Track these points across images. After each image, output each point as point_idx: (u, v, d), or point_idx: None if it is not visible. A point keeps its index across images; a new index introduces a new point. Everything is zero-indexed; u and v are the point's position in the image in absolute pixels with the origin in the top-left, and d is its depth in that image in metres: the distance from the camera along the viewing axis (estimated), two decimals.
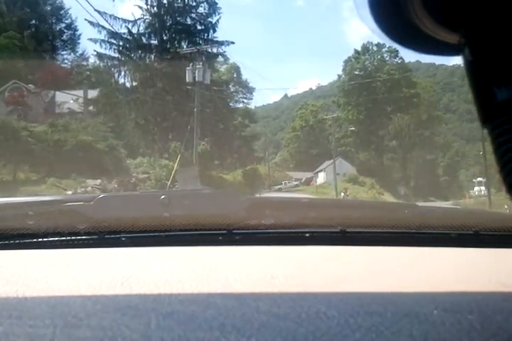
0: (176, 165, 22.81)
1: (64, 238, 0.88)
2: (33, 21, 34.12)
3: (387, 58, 48.30)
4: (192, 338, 0.47)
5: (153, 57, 29.23)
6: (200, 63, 23.36)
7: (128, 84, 29.58)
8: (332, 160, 46.38)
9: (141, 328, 0.48)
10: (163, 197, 0.94)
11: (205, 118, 26.27)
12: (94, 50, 29.52)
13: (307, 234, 0.88)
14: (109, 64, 29.41)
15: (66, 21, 36.59)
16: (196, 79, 23.03)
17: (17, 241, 0.87)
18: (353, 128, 43.51)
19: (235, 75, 39.23)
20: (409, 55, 46.22)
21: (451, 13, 0.32)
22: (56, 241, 0.88)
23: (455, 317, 0.51)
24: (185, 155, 25.58)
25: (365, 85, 46.35)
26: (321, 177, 48.06)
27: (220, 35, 34.87)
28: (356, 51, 47.92)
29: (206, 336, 0.47)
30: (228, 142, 31.13)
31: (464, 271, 0.73)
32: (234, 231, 0.89)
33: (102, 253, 0.84)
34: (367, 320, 0.50)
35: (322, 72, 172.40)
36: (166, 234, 0.89)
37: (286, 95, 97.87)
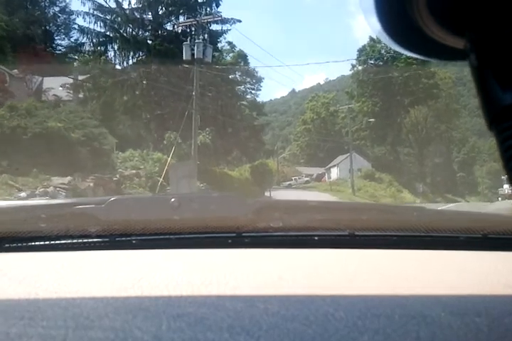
0: (169, 158, 17.34)
1: (76, 240, 0.89)
2: (23, 3, 28.79)
3: None
4: (202, 339, 0.47)
5: (146, 33, 23.69)
6: (200, 37, 17.88)
7: (117, 65, 24.25)
8: (346, 155, 41.18)
9: (152, 330, 0.49)
10: (173, 200, 0.94)
11: (206, 104, 21.08)
12: (77, 24, 24.16)
13: (316, 237, 0.88)
14: (95, 41, 23.95)
15: (60, 5, 31.34)
16: (195, 55, 17.61)
17: (29, 244, 0.88)
18: (372, 120, 38.23)
19: (242, 63, 34.16)
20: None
21: (456, 19, 0.32)
22: (68, 243, 0.89)
23: (462, 320, 0.51)
24: (183, 147, 20.05)
25: (381, 75, 41.00)
26: (334, 173, 43.35)
27: (224, 13, 29.28)
28: (372, 39, 42.48)
29: (216, 337, 0.48)
30: (234, 133, 25.46)
31: (472, 274, 0.72)
32: (243, 234, 0.89)
33: (113, 255, 0.85)
34: (374, 323, 0.50)
35: (330, 68, 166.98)
36: (176, 236, 0.90)
37: (293, 90, 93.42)
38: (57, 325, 0.50)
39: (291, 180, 43.22)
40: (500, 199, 37.10)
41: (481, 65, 0.31)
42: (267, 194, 27.16)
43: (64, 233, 0.89)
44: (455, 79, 50.65)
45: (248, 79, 36.87)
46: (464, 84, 59.89)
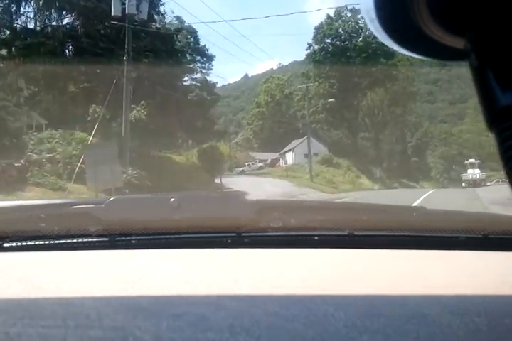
0: (90, 138, 13.26)
1: (75, 240, 0.90)
2: None
3: (363, 25, 39.86)
4: (202, 339, 0.49)
5: None
6: None
7: (35, 26, 19.32)
8: (301, 139, 38.13)
9: (151, 329, 0.50)
10: (173, 199, 0.95)
11: (141, 72, 16.59)
12: None
13: (315, 237, 0.89)
14: None
15: None
16: (126, 10, 13.51)
17: (29, 243, 0.89)
18: (332, 99, 35.34)
19: (192, 40, 29.57)
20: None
21: (456, 18, 0.32)
22: (68, 243, 0.90)
23: (462, 320, 0.51)
24: (113, 124, 15.85)
25: (338, 55, 38.05)
26: (289, 158, 40.74)
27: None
28: (329, 16, 39.63)
29: (216, 337, 0.49)
30: (177, 109, 21.02)
31: (472, 274, 0.74)
32: (243, 234, 0.91)
33: (113, 255, 0.87)
34: (374, 322, 0.51)
35: (283, 53, 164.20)
36: (176, 236, 0.91)
37: (246, 75, 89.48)
38: (57, 325, 0.51)
39: (245, 166, 41.81)
40: (464, 185, 35.37)
41: (481, 65, 0.32)
42: (217, 181, 23.45)
43: (64, 233, 0.90)
44: (413, 61, 48.99)
45: (198, 58, 32.63)
46: (414, 70, 58.16)
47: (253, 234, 0.91)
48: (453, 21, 0.32)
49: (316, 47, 43.75)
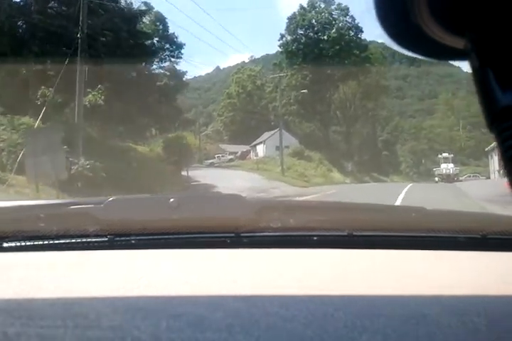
0: (36, 124, 11.80)
1: (74, 240, 0.90)
2: None
3: (337, 16, 38.96)
4: (201, 339, 0.49)
5: None
6: None
7: None
8: (273, 132, 37.27)
9: (150, 329, 0.50)
10: (172, 200, 0.95)
11: (98, 52, 14.87)
12: None
13: (315, 237, 0.90)
14: None
15: None
16: None
17: (29, 244, 0.89)
18: (304, 90, 34.38)
19: (160, 27, 27.94)
20: (358, 14, 37.45)
21: (457, 18, 0.32)
22: (67, 243, 0.90)
23: (461, 320, 0.52)
24: (65, 110, 14.28)
25: (311, 46, 37.19)
26: (260, 151, 39.53)
27: None
28: (302, 7, 38.41)
29: (215, 337, 0.49)
30: (139, 94, 19.01)
31: (471, 274, 0.75)
32: (242, 234, 0.91)
33: (112, 255, 0.87)
34: (373, 322, 0.51)
35: (255, 46, 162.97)
36: (175, 236, 0.92)
37: (218, 67, 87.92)
38: (56, 325, 0.51)
39: (214, 158, 40.97)
40: (437, 179, 35.00)
41: (482, 65, 0.32)
42: (184, 173, 22.07)
43: (63, 233, 0.90)
44: (387, 54, 48.73)
45: (167, 46, 30.84)
46: (386, 64, 58.10)
47: (252, 234, 0.92)
48: (453, 21, 0.32)
49: (289, 37, 43.22)
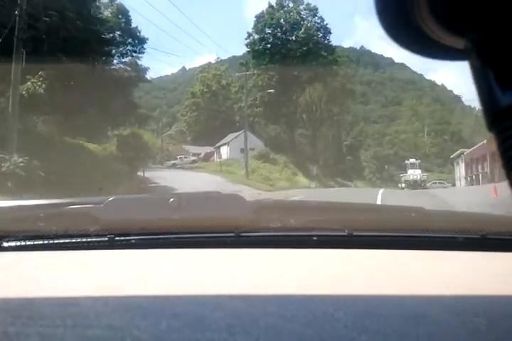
0: None
1: (74, 240, 0.90)
2: None
3: (305, 16, 38.19)
4: (200, 338, 0.49)
5: None
6: None
7: None
8: (237, 133, 35.94)
9: (150, 329, 0.50)
10: (172, 200, 0.96)
11: (39, 33, 12.94)
12: None
13: (314, 237, 0.91)
14: None
15: None
16: None
17: (28, 243, 0.89)
18: (271, 90, 33.23)
19: (122, 20, 26.07)
20: (326, 15, 36.83)
21: (457, 18, 0.32)
22: (67, 243, 0.90)
23: (461, 320, 0.52)
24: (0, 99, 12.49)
25: (278, 46, 36.14)
26: (224, 153, 38.08)
27: None
28: (270, 5, 37.32)
29: (215, 337, 0.49)
30: (87, 84, 16.74)
31: (470, 274, 0.76)
32: (242, 233, 0.92)
33: (112, 255, 0.88)
34: (373, 322, 0.51)
35: (222, 48, 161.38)
36: (175, 236, 0.92)
37: (184, 67, 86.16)
38: (56, 324, 0.50)
39: (176, 159, 39.83)
40: (403, 185, 34.41)
41: (482, 65, 0.32)
42: (140, 174, 20.27)
43: (63, 232, 0.90)
44: (352, 58, 48.16)
45: (129, 40, 28.79)
46: (353, 67, 57.78)
47: (252, 234, 0.92)
48: (453, 21, 0.32)
49: (256, 36, 42.67)
